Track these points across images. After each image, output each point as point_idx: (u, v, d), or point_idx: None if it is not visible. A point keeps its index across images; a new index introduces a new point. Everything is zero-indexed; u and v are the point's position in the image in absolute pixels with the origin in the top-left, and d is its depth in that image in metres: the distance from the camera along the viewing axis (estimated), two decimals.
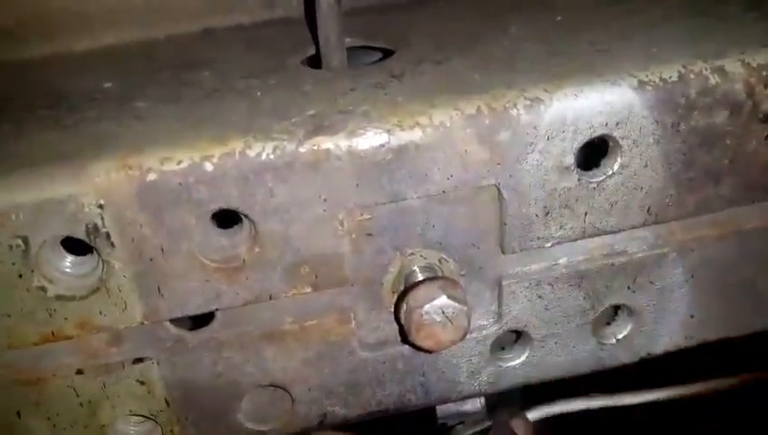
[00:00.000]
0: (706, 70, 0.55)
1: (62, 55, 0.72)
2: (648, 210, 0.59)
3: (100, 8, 0.73)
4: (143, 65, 0.68)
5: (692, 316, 0.66)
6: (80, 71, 0.69)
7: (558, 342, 0.65)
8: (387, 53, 0.66)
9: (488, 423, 0.69)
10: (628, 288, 0.63)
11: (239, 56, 0.67)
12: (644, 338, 0.66)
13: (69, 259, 0.53)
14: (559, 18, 0.66)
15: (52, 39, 0.73)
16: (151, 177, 0.50)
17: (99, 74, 0.66)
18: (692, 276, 0.64)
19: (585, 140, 0.55)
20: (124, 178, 0.50)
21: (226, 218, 0.55)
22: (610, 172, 0.56)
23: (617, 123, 0.54)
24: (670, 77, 0.54)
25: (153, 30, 0.74)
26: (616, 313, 0.67)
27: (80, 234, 0.51)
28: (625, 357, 0.67)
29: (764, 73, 0.56)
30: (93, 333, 0.55)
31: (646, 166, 0.57)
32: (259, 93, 0.58)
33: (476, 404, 0.70)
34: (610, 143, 0.56)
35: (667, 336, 0.67)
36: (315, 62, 0.65)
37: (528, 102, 0.53)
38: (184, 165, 0.50)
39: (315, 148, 0.51)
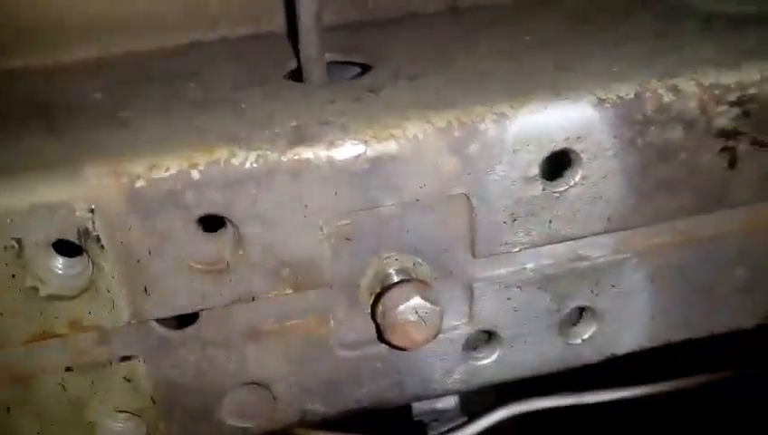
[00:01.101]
0: (661, 88, 0.59)
1: (50, 67, 0.75)
2: (609, 219, 0.63)
3: (87, 21, 0.76)
4: (131, 77, 0.70)
5: (653, 318, 0.70)
6: (68, 82, 0.71)
7: (527, 341, 0.68)
8: (364, 68, 0.70)
9: (463, 419, 0.72)
10: (592, 292, 0.67)
11: (224, 69, 0.70)
12: (608, 338, 0.70)
13: (60, 260, 0.56)
14: (527, 38, 0.70)
15: (40, 51, 0.75)
16: (140, 183, 0.53)
17: (87, 85, 0.68)
18: (652, 281, 0.68)
19: (548, 153, 0.58)
20: (114, 185, 0.53)
21: (211, 222, 0.58)
22: (572, 183, 0.60)
23: (578, 138, 0.58)
24: (627, 95, 0.59)
25: (140, 42, 0.77)
26: (581, 315, 0.70)
27: (71, 236, 0.53)
28: (590, 356, 0.71)
29: (716, 92, 0.60)
30: (82, 332, 0.58)
31: (605, 177, 0.61)
32: (243, 105, 0.61)
33: (450, 402, 0.74)
34: (572, 156, 0.60)
35: (630, 337, 0.71)
36: (297, 76, 0.69)
37: (495, 117, 0.57)
38: (171, 172, 0.53)
39: (296, 157, 0.55)
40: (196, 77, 0.68)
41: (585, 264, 0.66)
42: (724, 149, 0.63)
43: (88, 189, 0.53)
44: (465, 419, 0.73)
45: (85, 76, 0.71)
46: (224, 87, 0.65)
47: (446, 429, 0.73)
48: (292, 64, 0.71)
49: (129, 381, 0.60)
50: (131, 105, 0.63)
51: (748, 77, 0.61)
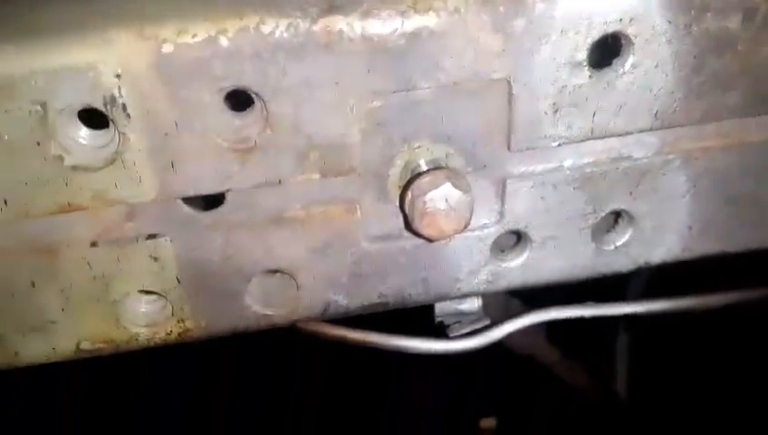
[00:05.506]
0: None
1: None
2: (656, 114, 0.60)
3: None
4: None
5: (690, 227, 0.68)
6: None
7: (557, 245, 0.66)
8: None
9: (485, 322, 0.71)
10: (630, 194, 0.64)
11: None
12: (642, 246, 0.68)
13: (85, 130, 0.55)
14: None
15: None
16: (167, 48, 0.51)
17: None
18: (694, 186, 0.65)
19: (599, 36, 0.55)
20: (141, 48, 0.51)
21: (240, 102, 0.56)
22: (621, 71, 0.57)
23: (631, 19, 0.55)
24: None
25: None
26: (616, 221, 0.68)
27: (97, 103, 0.52)
28: (622, 265, 0.69)
29: None
30: (108, 206, 0.57)
31: (657, 67, 0.57)
32: None
33: (474, 305, 0.73)
34: (623, 41, 0.56)
35: (665, 246, 0.69)
36: None
37: None
38: (199, 39, 0.51)
39: (328, 28, 0.52)
40: None
41: (626, 164, 0.63)
42: None
43: (114, 54, 0.51)
44: (488, 322, 0.73)
45: None
46: None
47: (468, 331, 0.72)
48: None
49: (155, 259, 0.60)
50: None
51: None
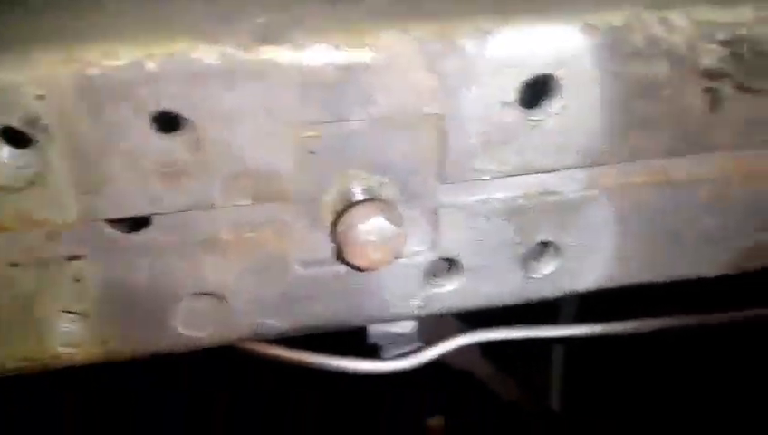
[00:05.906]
0: (652, 20, 0.57)
1: None
2: (584, 153, 0.61)
3: None
4: None
5: (615, 258, 0.70)
6: None
7: (488, 273, 0.68)
8: None
9: (418, 345, 0.73)
10: (557, 227, 0.66)
11: None
12: (568, 275, 0.70)
13: (6, 149, 0.53)
14: None
15: None
16: (92, 71, 0.50)
17: None
18: (619, 221, 0.67)
19: (529, 77, 0.56)
20: (65, 70, 0.49)
21: (168, 125, 0.55)
22: (550, 112, 0.58)
23: (561, 63, 0.56)
24: (617, 23, 0.56)
25: None
26: (544, 251, 0.70)
27: (18, 123, 0.50)
28: (549, 292, 0.71)
29: (707, 29, 0.58)
30: (30, 227, 0.55)
31: (585, 109, 0.59)
32: None
33: (407, 327, 0.74)
34: (553, 83, 0.57)
35: (591, 275, 0.71)
36: None
37: (477, 33, 0.54)
38: (125, 61, 0.50)
39: (260, 57, 0.51)
40: None
41: (554, 198, 0.64)
42: (707, 90, 0.61)
43: (38, 74, 0.49)
44: (421, 344, 0.74)
45: None
46: None
47: (401, 353, 0.73)
48: None
49: (77, 281, 0.59)
50: None
51: (741, 16, 0.58)
